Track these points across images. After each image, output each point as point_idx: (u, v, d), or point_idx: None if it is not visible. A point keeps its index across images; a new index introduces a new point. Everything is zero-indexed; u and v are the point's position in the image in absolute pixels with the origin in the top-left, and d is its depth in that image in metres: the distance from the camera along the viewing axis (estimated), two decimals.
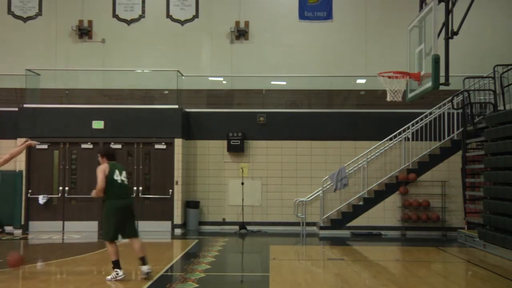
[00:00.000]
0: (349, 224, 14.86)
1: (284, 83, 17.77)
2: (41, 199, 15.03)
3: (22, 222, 14.95)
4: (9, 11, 17.98)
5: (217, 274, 9.10)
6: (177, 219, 15.06)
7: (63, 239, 13.85)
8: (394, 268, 10.28)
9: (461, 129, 14.65)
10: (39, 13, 17.96)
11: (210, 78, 17.85)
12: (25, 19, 17.95)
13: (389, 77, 10.28)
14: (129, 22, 17.96)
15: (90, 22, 17.84)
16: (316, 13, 17.73)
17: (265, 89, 17.03)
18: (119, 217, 8.29)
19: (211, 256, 10.81)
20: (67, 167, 15.36)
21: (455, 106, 14.64)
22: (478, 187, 13.59)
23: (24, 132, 15.16)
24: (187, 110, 16.00)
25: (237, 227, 15.11)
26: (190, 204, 15.51)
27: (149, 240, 13.69)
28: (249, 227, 15.15)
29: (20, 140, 15.15)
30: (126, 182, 8.54)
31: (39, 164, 15.31)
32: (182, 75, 16.32)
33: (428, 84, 9.21)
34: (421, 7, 10.15)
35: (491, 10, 17.21)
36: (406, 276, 9.26)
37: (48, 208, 15.19)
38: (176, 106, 15.46)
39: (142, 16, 17.98)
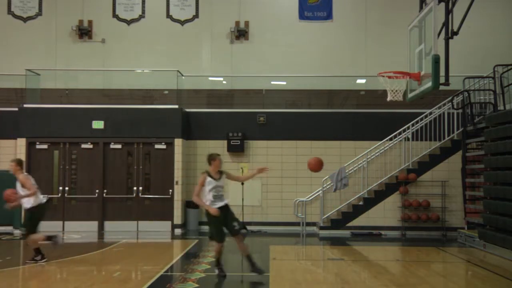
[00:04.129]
0: (349, 224, 14.86)
1: (284, 83, 17.77)
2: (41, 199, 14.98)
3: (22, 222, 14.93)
4: (9, 11, 17.98)
5: (217, 274, 9.09)
6: (177, 219, 15.06)
7: (63, 239, 13.80)
8: (394, 268, 10.27)
9: (461, 129, 14.65)
10: (39, 13, 17.96)
11: (210, 78, 17.85)
12: (25, 19, 17.96)
13: (389, 77, 10.28)
14: (129, 22, 17.96)
15: (90, 22, 17.84)
16: (316, 13, 17.73)
17: (265, 89, 17.03)
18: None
19: (211, 256, 10.80)
20: (67, 167, 15.36)
21: (455, 106, 14.64)
22: (478, 187, 13.59)
23: (24, 132, 15.18)
24: (187, 110, 16.00)
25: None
26: (190, 204, 15.50)
27: (149, 240, 13.71)
28: (249, 227, 15.14)
29: (20, 140, 15.18)
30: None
31: (39, 164, 15.31)
32: (182, 75, 16.33)
33: (428, 84, 9.21)
34: (421, 7, 10.15)
35: (491, 10, 17.22)
36: (406, 276, 9.26)
37: (48, 208, 15.12)
38: (176, 106, 15.46)
39: (142, 16, 17.99)
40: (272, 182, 15.70)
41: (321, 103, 17.02)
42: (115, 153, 15.41)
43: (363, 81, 17.45)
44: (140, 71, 17.35)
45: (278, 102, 16.80)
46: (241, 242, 8.67)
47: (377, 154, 15.36)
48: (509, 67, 12.58)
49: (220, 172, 8.72)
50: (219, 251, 8.66)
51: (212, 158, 8.72)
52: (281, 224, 15.39)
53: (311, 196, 15.36)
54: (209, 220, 8.64)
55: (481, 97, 14.52)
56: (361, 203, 15.03)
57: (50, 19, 17.91)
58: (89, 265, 10.03)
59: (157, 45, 17.77)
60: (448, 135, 15.07)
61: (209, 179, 8.61)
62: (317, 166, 9.11)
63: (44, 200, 9.99)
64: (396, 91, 10.36)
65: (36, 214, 9.91)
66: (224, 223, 8.58)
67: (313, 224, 15.31)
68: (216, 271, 8.69)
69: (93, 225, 15.09)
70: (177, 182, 15.08)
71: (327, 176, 14.98)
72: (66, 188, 15.26)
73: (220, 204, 8.54)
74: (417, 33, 10.05)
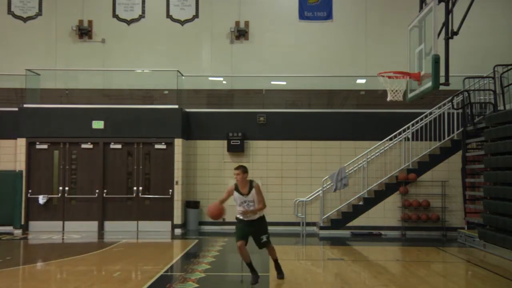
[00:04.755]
0: (349, 224, 14.86)
1: (284, 83, 17.77)
2: (41, 199, 15.03)
3: (22, 222, 14.95)
4: (9, 11, 17.99)
5: (217, 274, 9.10)
6: (177, 219, 15.06)
7: (63, 239, 13.85)
8: (394, 268, 10.28)
9: (461, 129, 14.65)
10: (39, 13, 17.97)
11: (210, 78, 17.85)
12: (25, 19, 17.96)
13: (389, 77, 10.27)
14: (129, 22, 17.96)
15: (90, 22, 17.84)
16: (316, 13, 17.73)
17: (265, 89, 17.03)
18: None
19: (211, 256, 10.81)
20: (67, 167, 15.36)
21: (455, 106, 14.64)
22: (478, 187, 13.60)
23: (24, 132, 15.19)
24: (187, 110, 16.00)
25: None
26: (190, 204, 15.52)
27: (149, 240, 13.71)
28: None
29: (20, 140, 15.19)
30: None
31: (39, 164, 15.31)
32: (182, 75, 16.33)
33: (428, 84, 9.20)
34: (421, 7, 10.14)
35: (491, 10, 17.23)
36: (406, 276, 9.26)
37: (48, 208, 15.19)
38: (176, 106, 15.46)
39: (142, 16, 17.99)
40: (272, 182, 15.70)
41: (321, 103, 17.02)
42: (115, 153, 15.41)
43: (363, 81, 17.46)
44: (140, 71, 17.35)
45: (278, 102, 16.80)
46: (271, 250, 8.44)
47: (377, 154, 15.36)
48: (509, 67, 12.59)
49: (250, 187, 8.19)
50: (243, 254, 8.14)
51: None
52: (281, 224, 15.39)
53: (311, 196, 15.36)
54: (236, 222, 8.35)
55: (481, 97, 14.52)
56: (361, 203, 15.03)
57: (50, 19, 17.91)
58: (89, 265, 10.03)
59: (157, 45, 17.77)
60: (448, 135, 15.07)
61: (236, 193, 8.20)
62: (215, 214, 8.06)
63: None
64: (396, 91, 10.36)
65: None
66: (250, 234, 8.26)
67: (313, 224, 15.31)
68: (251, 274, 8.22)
69: (93, 225, 15.09)
70: (177, 182, 15.08)
71: (327, 176, 14.99)
72: (66, 188, 15.26)
73: (251, 218, 8.21)
74: (417, 33, 10.04)
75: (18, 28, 17.88)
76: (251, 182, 8.25)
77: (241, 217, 8.22)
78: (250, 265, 8.20)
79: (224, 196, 8.26)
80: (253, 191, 8.16)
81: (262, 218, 8.41)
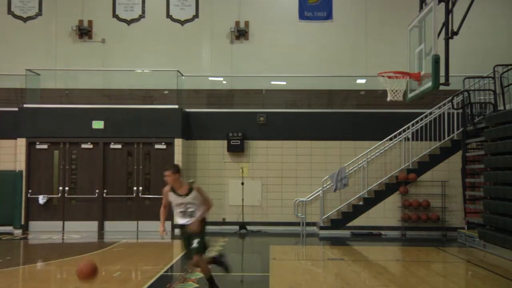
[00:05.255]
0: (349, 224, 14.85)
1: (284, 83, 17.77)
2: (41, 199, 15.02)
3: (22, 222, 14.95)
4: (9, 11, 17.98)
5: (217, 274, 9.09)
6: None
7: (63, 239, 13.85)
8: (394, 268, 10.28)
9: (461, 129, 14.65)
10: (39, 13, 17.96)
11: (210, 78, 17.85)
12: (25, 19, 17.96)
13: (389, 77, 10.28)
14: (129, 22, 17.96)
15: (90, 22, 17.84)
16: (316, 13, 17.73)
17: (265, 89, 17.03)
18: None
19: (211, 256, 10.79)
20: (67, 167, 15.36)
21: (455, 106, 14.64)
22: (478, 187, 13.60)
23: (24, 132, 15.18)
24: (187, 110, 15.99)
25: (237, 227, 15.11)
26: None
27: (149, 240, 13.71)
28: (249, 227, 15.15)
29: (20, 140, 15.19)
30: None
31: (39, 164, 15.31)
32: (182, 75, 16.33)
33: (428, 84, 9.20)
34: (421, 7, 10.14)
35: (491, 10, 17.22)
36: (406, 276, 9.26)
37: (48, 208, 15.18)
38: (176, 106, 15.46)
39: (142, 16, 17.99)
40: (272, 182, 15.70)
41: (321, 103, 17.01)
42: (115, 153, 15.41)
43: (363, 81, 17.45)
44: (140, 71, 17.34)
45: (278, 102, 16.79)
46: (202, 264, 7.50)
47: (377, 154, 15.36)
48: (509, 67, 12.58)
49: (190, 188, 7.40)
50: (199, 267, 7.48)
51: None
52: (281, 224, 15.39)
53: (311, 196, 15.36)
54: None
55: (481, 97, 14.52)
56: (361, 203, 15.02)
57: (50, 19, 17.91)
58: None
59: (157, 45, 17.77)
60: (448, 135, 15.07)
61: (172, 194, 7.45)
62: (87, 274, 6.49)
63: None
64: (396, 91, 10.36)
65: None
66: (188, 241, 7.49)
67: (313, 224, 15.30)
68: None
69: (93, 225, 15.09)
70: None
71: (327, 176, 14.98)
72: (66, 188, 15.26)
73: (188, 221, 7.50)
74: (417, 33, 10.04)
75: (18, 28, 17.87)
76: (190, 183, 7.50)
77: (179, 221, 7.61)
78: (210, 279, 7.54)
79: (164, 200, 7.65)
80: (193, 193, 7.38)
81: (201, 221, 7.51)
